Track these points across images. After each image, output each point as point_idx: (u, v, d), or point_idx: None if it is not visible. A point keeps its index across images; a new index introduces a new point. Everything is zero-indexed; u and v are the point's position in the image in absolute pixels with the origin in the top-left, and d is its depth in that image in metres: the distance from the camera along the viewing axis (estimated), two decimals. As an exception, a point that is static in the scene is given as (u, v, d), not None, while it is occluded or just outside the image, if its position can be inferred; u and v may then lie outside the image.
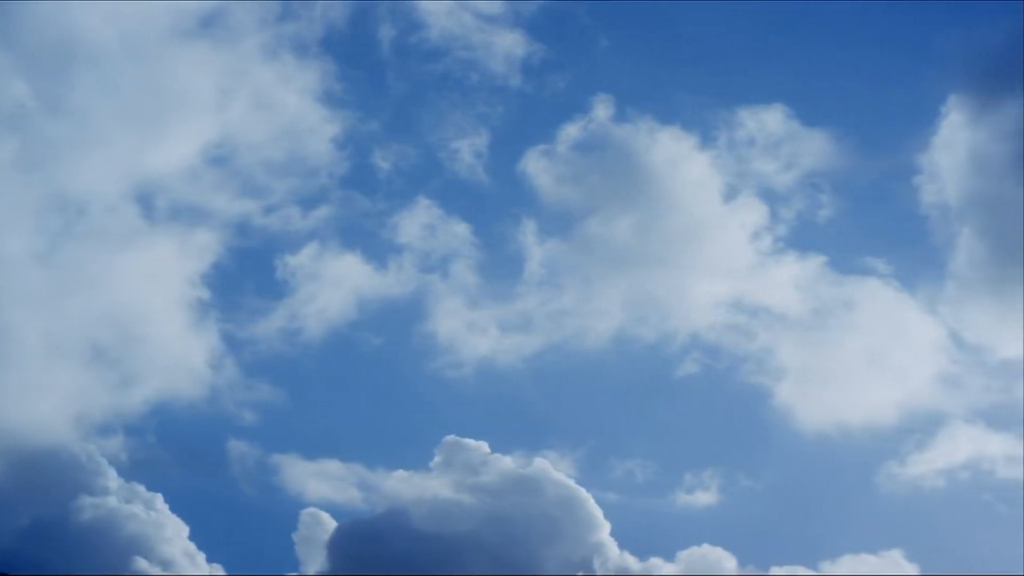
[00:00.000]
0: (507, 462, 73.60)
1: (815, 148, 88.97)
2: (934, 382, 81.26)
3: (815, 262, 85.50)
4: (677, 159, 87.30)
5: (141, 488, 72.30)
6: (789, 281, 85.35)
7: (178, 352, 79.38)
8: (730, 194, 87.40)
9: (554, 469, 73.84)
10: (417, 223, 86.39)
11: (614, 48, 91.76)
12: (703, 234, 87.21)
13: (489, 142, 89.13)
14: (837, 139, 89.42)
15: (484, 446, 73.66)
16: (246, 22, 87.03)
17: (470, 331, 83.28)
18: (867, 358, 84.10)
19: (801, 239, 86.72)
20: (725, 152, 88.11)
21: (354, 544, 70.00)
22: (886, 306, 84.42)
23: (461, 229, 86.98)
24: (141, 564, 69.05)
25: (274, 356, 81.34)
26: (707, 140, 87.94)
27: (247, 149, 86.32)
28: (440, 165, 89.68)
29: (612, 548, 71.62)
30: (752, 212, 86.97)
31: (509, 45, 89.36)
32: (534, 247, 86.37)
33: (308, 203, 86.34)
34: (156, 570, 69.23)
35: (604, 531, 72.53)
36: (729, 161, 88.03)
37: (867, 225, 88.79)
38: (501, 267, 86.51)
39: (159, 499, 72.32)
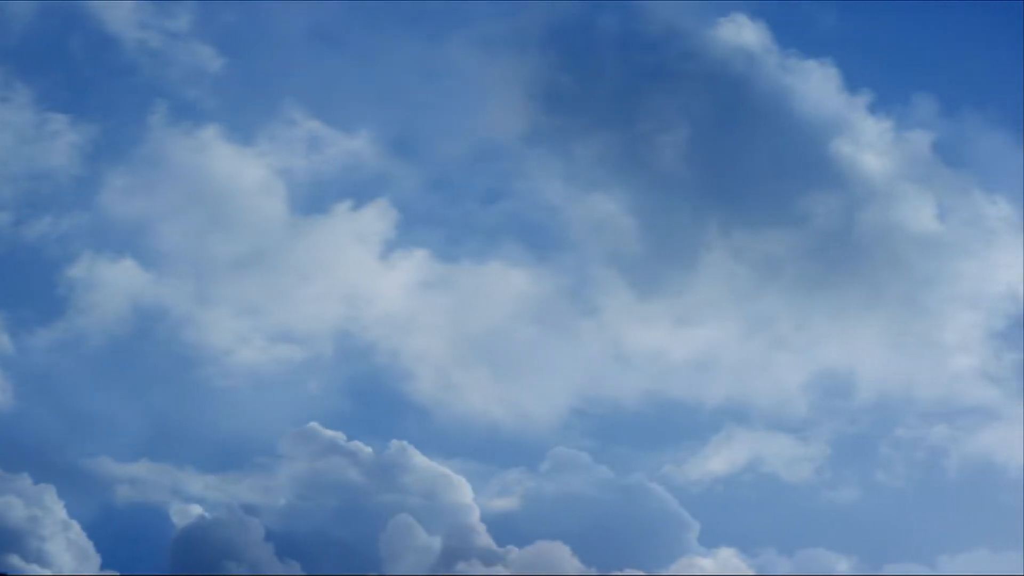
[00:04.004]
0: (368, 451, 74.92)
1: (354, 149, 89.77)
2: (601, 370, 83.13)
3: (422, 256, 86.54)
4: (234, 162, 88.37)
5: (27, 481, 73.35)
6: (403, 275, 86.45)
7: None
8: (300, 195, 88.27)
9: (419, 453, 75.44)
10: (180, 230, 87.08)
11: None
12: (292, 236, 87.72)
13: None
14: (373, 142, 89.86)
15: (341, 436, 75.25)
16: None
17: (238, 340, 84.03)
18: (530, 346, 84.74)
19: (404, 236, 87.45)
20: (279, 153, 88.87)
21: (196, 548, 71.38)
22: (519, 299, 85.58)
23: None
24: (15, 561, 70.27)
25: (54, 365, 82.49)
26: (254, 141, 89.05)
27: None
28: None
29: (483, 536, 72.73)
30: (330, 211, 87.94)
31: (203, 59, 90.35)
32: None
33: (63, 211, 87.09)
34: (33, 568, 70.28)
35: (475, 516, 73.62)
36: (278, 160, 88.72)
37: (474, 223, 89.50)
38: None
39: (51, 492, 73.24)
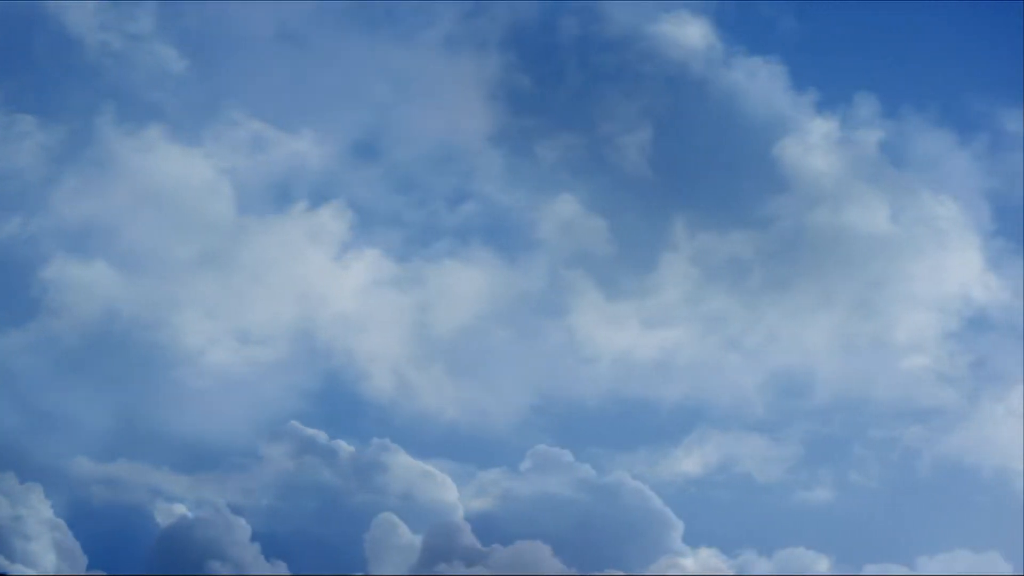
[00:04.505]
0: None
1: (317, 151, 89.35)
2: (571, 371, 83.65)
3: (391, 256, 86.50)
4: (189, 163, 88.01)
5: (13, 480, 73.43)
6: (374, 275, 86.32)
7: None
8: (267, 196, 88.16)
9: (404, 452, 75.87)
10: (150, 232, 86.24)
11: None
12: (262, 237, 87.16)
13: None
14: (335, 142, 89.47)
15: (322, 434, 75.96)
16: None
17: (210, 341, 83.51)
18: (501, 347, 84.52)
19: (371, 237, 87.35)
20: (224, 154, 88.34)
21: (180, 548, 72.02)
22: (489, 299, 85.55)
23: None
24: (-1, 561, 71.51)
25: (28, 366, 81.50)
26: (206, 143, 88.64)
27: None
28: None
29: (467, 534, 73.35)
30: (294, 212, 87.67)
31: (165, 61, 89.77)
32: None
33: (32, 212, 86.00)
34: (18, 568, 70.74)
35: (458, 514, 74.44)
36: (236, 161, 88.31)
37: (439, 224, 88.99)
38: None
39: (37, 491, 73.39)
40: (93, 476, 77.31)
